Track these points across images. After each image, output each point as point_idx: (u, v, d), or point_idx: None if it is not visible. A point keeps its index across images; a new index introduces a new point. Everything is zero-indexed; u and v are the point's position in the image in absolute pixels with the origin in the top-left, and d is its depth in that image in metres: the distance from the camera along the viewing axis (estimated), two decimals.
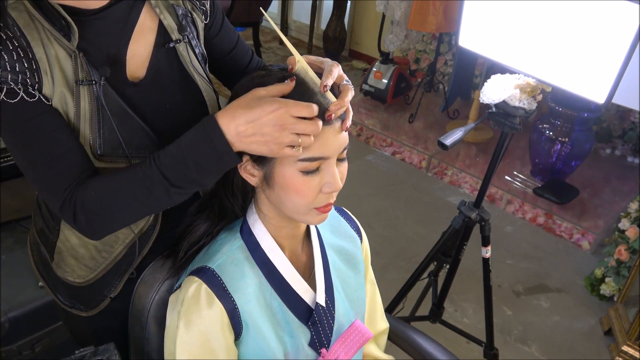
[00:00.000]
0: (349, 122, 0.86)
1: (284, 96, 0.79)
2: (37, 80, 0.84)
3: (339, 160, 0.88)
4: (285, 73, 0.86)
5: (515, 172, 3.19)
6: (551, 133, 2.91)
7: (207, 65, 1.07)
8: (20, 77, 0.83)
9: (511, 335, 2.29)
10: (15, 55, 0.82)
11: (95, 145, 0.90)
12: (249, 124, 0.77)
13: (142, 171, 0.83)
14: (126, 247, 1.03)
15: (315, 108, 0.78)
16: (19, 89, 0.83)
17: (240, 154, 0.82)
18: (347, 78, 0.88)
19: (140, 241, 1.04)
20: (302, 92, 0.83)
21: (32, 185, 0.90)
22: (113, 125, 0.90)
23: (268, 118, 0.76)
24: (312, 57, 0.91)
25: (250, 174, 0.88)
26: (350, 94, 0.85)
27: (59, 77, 0.86)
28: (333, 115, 0.82)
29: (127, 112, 0.92)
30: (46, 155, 0.86)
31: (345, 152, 0.89)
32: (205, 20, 1.04)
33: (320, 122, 0.78)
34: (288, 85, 0.80)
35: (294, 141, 0.77)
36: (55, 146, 0.86)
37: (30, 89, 0.84)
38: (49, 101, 0.86)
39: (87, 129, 0.89)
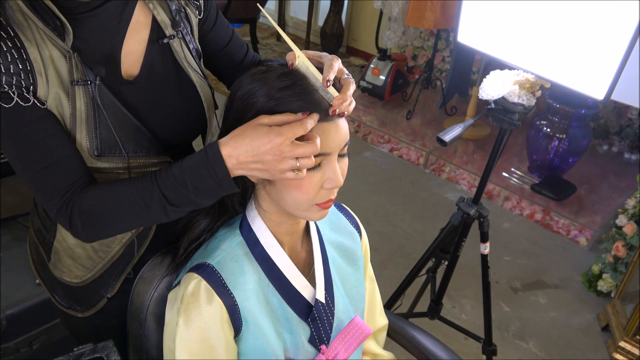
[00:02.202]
0: (351, 108, 0.85)
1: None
2: (31, 81, 0.83)
3: (340, 156, 0.88)
4: (285, 69, 0.86)
5: (512, 169, 3.20)
6: (548, 129, 2.92)
7: (201, 60, 1.06)
8: (14, 79, 0.81)
9: (509, 331, 2.30)
10: (9, 57, 0.80)
11: (92, 146, 0.89)
12: (250, 153, 0.79)
13: (143, 187, 0.85)
14: (123, 246, 1.02)
15: (309, 124, 0.79)
16: (14, 92, 0.81)
17: (238, 183, 0.85)
18: (347, 72, 0.88)
19: (138, 240, 1.03)
20: (304, 87, 0.83)
21: (28, 187, 0.90)
22: (109, 125, 0.89)
23: (267, 148, 0.78)
24: (311, 52, 0.91)
25: None
26: (352, 87, 0.85)
27: (53, 77, 0.84)
28: (337, 110, 0.82)
29: (122, 112, 0.91)
30: (41, 161, 0.86)
31: (346, 148, 0.88)
32: (199, 16, 1.03)
33: (317, 144, 0.80)
34: (295, 117, 0.80)
35: (294, 166, 0.80)
36: (51, 153, 0.86)
37: (25, 92, 0.82)
38: (43, 104, 0.85)
39: (84, 129, 0.88)
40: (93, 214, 0.87)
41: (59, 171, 0.86)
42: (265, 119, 0.80)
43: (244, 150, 0.80)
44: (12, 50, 0.81)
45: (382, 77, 3.72)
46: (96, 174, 0.92)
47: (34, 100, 0.83)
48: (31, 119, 0.84)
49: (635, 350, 2.12)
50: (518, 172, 3.17)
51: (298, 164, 0.80)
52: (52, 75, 0.84)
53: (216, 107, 1.07)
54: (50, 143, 0.86)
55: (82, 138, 0.88)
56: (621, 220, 2.44)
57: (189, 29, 1.01)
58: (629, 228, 2.38)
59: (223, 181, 0.82)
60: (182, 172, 0.83)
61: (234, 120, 0.87)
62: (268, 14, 0.92)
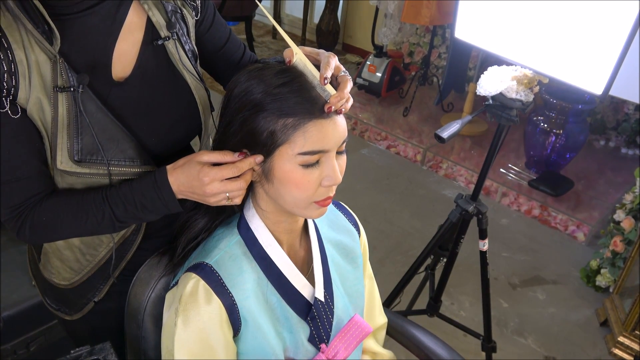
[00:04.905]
0: (348, 105, 0.85)
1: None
2: (14, 83, 0.81)
3: (338, 153, 0.87)
4: (283, 66, 0.85)
5: (510, 165, 3.20)
6: (545, 125, 2.92)
7: (197, 62, 1.04)
8: None
9: (508, 328, 2.30)
10: None
11: (72, 151, 0.88)
12: (185, 185, 0.88)
13: (95, 205, 0.91)
14: (110, 251, 1.02)
15: (243, 166, 0.85)
16: None
17: (183, 201, 0.92)
18: (344, 69, 0.87)
19: (124, 246, 1.03)
20: (302, 85, 0.82)
21: None
22: (92, 132, 0.88)
23: (197, 184, 0.86)
24: (308, 49, 0.90)
25: None
26: (349, 85, 0.85)
27: (36, 82, 0.83)
28: (333, 107, 0.81)
29: (108, 118, 0.89)
30: (3, 174, 0.86)
31: (344, 145, 0.88)
32: (196, 17, 1.01)
33: (246, 181, 0.87)
34: (232, 157, 0.86)
35: (224, 198, 0.87)
36: (14, 170, 0.87)
37: (4, 96, 0.81)
38: (17, 113, 0.83)
39: (65, 135, 0.87)
40: (44, 227, 0.91)
41: (18, 188, 0.88)
42: (204, 156, 0.86)
43: (181, 182, 0.88)
44: None
45: (379, 74, 3.71)
46: (76, 179, 0.91)
47: (7, 110, 0.82)
48: (2, 134, 0.83)
49: (634, 345, 2.12)
50: (515, 168, 3.17)
51: (228, 195, 0.86)
52: (36, 79, 0.83)
53: (212, 109, 1.05)
54: (15, 161, 0.86)
55: (63, 143, 0.87)
56: (619, 215, 2.44)
57: (184, 30, 0.99)
58: (627, 223, 2.38)
59: (169, 202, 0.90)
60: (132, 193, 0.90)
61: (231, 118, 0.86)
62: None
